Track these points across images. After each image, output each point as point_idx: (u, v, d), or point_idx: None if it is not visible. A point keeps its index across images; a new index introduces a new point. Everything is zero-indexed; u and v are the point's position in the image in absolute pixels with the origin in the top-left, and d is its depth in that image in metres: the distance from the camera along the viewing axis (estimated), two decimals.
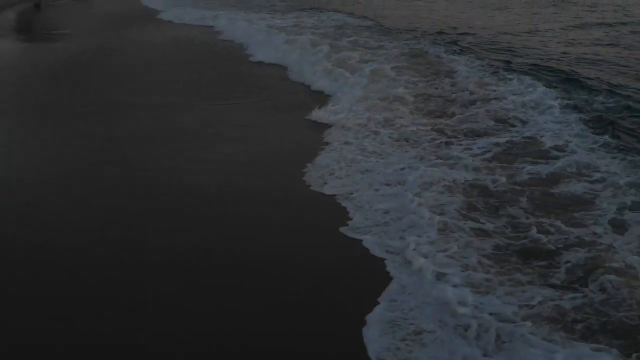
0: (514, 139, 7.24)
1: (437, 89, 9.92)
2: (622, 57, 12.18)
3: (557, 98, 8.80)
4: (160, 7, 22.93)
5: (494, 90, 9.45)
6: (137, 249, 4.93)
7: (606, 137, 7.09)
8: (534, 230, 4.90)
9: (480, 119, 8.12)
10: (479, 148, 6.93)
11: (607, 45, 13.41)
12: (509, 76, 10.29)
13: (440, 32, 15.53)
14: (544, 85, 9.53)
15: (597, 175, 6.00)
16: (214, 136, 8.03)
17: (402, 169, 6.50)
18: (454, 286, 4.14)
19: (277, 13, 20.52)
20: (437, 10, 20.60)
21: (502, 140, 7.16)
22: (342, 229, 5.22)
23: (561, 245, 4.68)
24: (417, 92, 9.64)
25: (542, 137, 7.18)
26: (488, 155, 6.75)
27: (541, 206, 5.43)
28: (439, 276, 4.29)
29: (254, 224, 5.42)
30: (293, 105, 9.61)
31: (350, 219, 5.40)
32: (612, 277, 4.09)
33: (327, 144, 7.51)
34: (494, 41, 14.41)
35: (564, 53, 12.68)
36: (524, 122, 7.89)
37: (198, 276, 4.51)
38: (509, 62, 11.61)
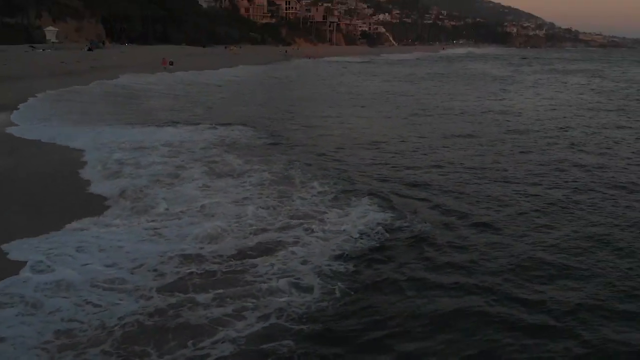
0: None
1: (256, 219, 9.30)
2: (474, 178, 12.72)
3: (377, 224, 8.92)
4: (19, 122, 17.79)
5: (313, 217, 9.29)
6: None
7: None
8: None
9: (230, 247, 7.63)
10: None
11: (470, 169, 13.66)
12: (352, 201, 10.39)
13: (324, 153, 15.58)
14: (382, 211, 9.81)
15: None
16: None
17: None
18: None
19: (179, 125, 20.08)
20: (348, 127, 20.77)
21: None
22: None
23: None
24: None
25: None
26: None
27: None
28: None
29: None
30: None
31: None
32: None
33: None
34: (375, 158, 14.84)
35: (432, 167, 13.42)
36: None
37: None
38: (367, 185, 11.76)
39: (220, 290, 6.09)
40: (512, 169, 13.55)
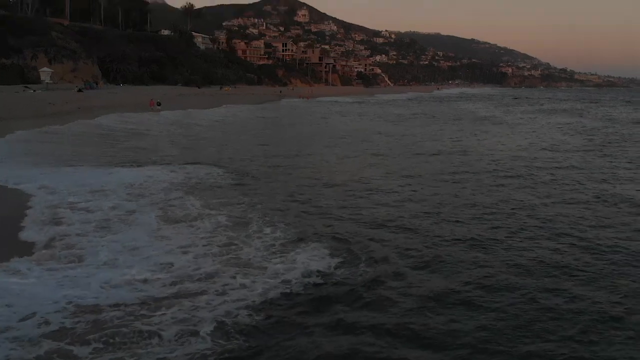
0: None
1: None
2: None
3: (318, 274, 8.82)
4: None
5: (251, 266, 9.09)
6: None
7: None
8: None
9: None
10: None
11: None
12: (302, 246, 10.34)
13: (289, 194, 15.50)
14: (329, 255, 9.79)
15: None
16: None
17: None
18: None
19: (148, 165, 20.05)
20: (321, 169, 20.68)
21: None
22: None
23: None
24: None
25: None
26: None
27: None
28: None
29: None
30: None
31: None
32: None
33: None
34: (340, 199, 14.88)
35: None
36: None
37: None
38: (317, 233, 11.53)
39: (103, 341, 5.92)
40: (467, 210, 13.62)
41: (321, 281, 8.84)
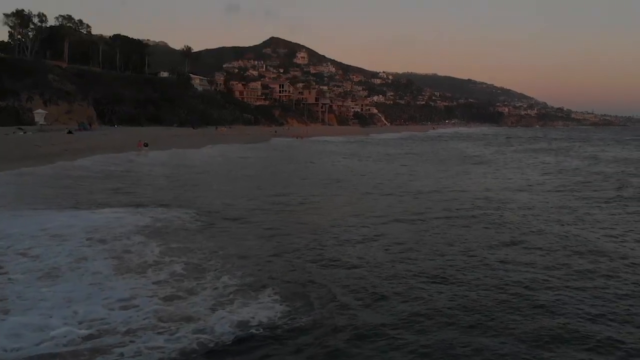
0: None
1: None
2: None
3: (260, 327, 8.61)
4: None
5: (191, 319, 8.74)
6: None
7: None
8: None
9: None
10: None
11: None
12: (253, 296, 10.05)
13: (258, 238, 15.23)
14: (279, 303, 9.65)
15: None
16: None
17: None
18: None
19: (116, 208, 19.79)
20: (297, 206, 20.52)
21: None
22: None
23: None
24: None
25: None
26: None
27: None
28: None
29: None
30: None
31: None
32: None
33: None
34: (310, 242, 14.68)
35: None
36: None
37: None
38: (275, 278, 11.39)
39: None
40: (425, 251, 13.54)
41: (255, 332, 8.58)
